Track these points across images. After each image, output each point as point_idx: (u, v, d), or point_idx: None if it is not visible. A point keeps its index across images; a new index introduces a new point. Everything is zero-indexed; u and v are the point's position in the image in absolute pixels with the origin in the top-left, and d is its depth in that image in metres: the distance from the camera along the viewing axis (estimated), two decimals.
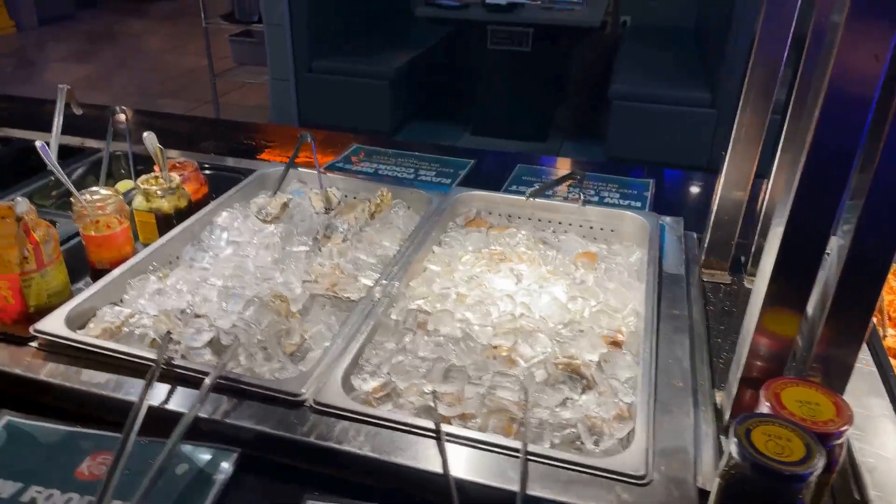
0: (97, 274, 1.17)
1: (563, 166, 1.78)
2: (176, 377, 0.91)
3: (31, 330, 0.97)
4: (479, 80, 5.02)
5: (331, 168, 1.67)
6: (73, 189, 1.19)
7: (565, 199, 1.43)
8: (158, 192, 1.29)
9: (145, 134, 1.32)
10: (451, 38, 5.94)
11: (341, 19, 5.28)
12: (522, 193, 1.54)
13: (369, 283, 1.14)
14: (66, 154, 1.68)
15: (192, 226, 1.27)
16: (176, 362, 0.92)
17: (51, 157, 1.20)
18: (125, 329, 1.02)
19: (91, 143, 1.76)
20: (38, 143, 1.18)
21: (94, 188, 1.20)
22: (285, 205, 1.33)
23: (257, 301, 1.04)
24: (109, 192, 1.18)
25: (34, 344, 0.98)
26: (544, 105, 5.00)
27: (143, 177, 1.32)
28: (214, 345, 1.00)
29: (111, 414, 0.91)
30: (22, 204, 1.01)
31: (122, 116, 1.64)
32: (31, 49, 7.55)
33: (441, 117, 5.52)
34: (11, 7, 8.12)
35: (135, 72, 6.72)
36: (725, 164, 1.18)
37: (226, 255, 1.22)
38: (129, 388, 0.91)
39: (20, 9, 8.17)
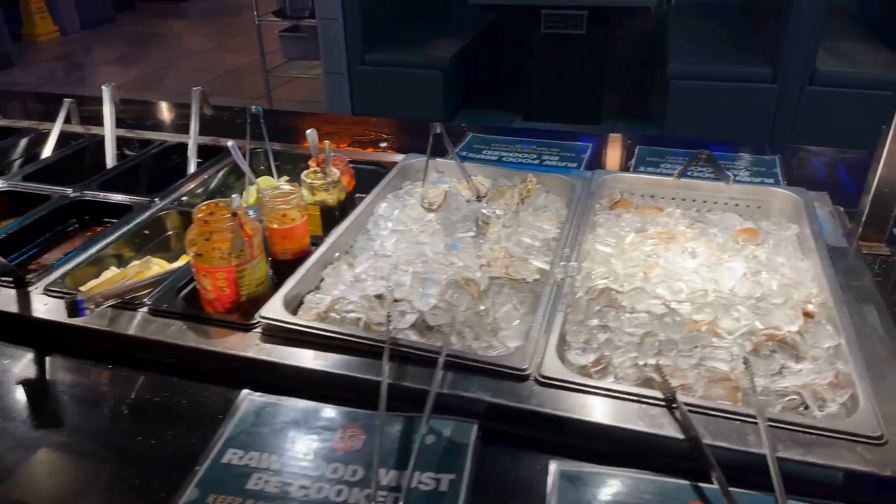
0: (278, 264, 1.24)
1: (681, 146, 1.81)
2: (400, 356, 0.97)
3: (257, 316, 1.04)
4: (531, 65, 5.02)
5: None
6: (257, 183, 1.25)
7: (699, 177, 1.46)
8: (322, 186, 1.35)
9: (308, 131, 1.38)
10: (499, 24, 5.95)
11: (389, 11, 5.32)
12: (651, 173, 1.59)
13: (540, 264, 1.20)
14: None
15: (359, 217, 1.33)
16: (401, 341, 0.98)
17: (239, 155, 1.26)
18: (331, 314, 1.09)
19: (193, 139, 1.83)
20: (229, 143, 1.24)
21: (277, 184, 1.26)
22: (446, 193, 1.38)
23: (454, 284, 1.09)
24: (292, 188, 1.24)
25: (258, 329, 1.05)
26: (596, 87, 4.99)
27: (306, 171, 1.38)
28: (418, 326, 1.06)
29: (339, 390, 0.97)
30: (236, 200, 1.08)
31: (258, 115, 1.70)
32: (78, 53, 7.71)
33: (491, 103, 5.54)
34: (54, 12, 8.28)
35: (182, 71, 6.84)
36: (889, 138, 1.20)
37: (397, 242, 1.28)
38: (357, 367, 0.98)
39: (63, 14, 8.33)
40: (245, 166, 1.30)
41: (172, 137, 1.82)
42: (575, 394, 0.91)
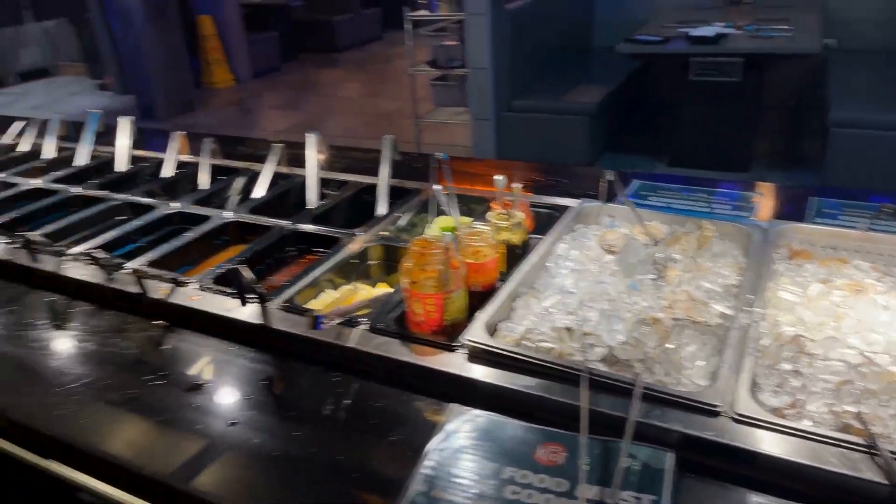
0: (470, 294, 1.37)
1: (858, 198, 1.77)
2: (595, 384, 1.06)
3: (462, 339, 1.17)
4: (677, 111, 5.00)
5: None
6: (457, 221, 1.41)
7: (885, 230, 1.44)
8: (508, 227, 1.49)
9: (498, 177, 1.53)
10: (644, 70, 5.99)
11: (535, 61, 5.53)
12: (830, 225, 1.58)
13: (723, 309, 1.24)
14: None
15: (542, 256, 1.45)
16: (597, 371, 1.07)
17: (443, 199, 1.43)
18: (524, 342, 1.20)
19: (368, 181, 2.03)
20: (435, 188, 1.41)
21: (475, 224, 1.41)
22: (625, 237, 1.47)
23: (642, 322, 1.17)
24: (487, 227, 1.38)
25: (462, 350, 1.18)
26: (747, 134, 4.87)
27: (491, 213, 1.52)
28: (607, 359, 1.15)
29: (537, 410, 1.08)
30: (447, 237, 1.23)
31: (442, 161, 1.88)
32: (249, 99, 8.59)
33: (635, 148, 5.56)
34: (231, 63, 9.30)
35: (339, 116, 7.44)
36: None
37: (577, 281, 1.37)
38: (554, 391, 1.08)
39: (238, 64, 9.33)
40: (450, 209, 1.47)
41: (364, 179, 2.04)
42: (771, 433, 0.95)
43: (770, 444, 0.94)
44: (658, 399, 1.02)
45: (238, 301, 1.35)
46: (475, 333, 1.17)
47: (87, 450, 1.11)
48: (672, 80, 5.01)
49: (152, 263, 1.58)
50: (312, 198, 1.99)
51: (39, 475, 1.22)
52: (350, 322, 1.28)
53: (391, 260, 1.64)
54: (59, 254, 1.60)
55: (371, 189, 1.97)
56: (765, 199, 1.77)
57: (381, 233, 1.67)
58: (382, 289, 1.52)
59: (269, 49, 9.80)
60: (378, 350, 1.21)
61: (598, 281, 1.35)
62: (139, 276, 1.42)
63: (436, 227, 1.77)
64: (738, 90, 4.59)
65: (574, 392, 1.06)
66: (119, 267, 1.51)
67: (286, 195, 2.02)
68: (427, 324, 1.25)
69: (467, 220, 1.82)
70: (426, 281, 1.21)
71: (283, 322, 1.31)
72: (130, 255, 1.66)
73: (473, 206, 1.86)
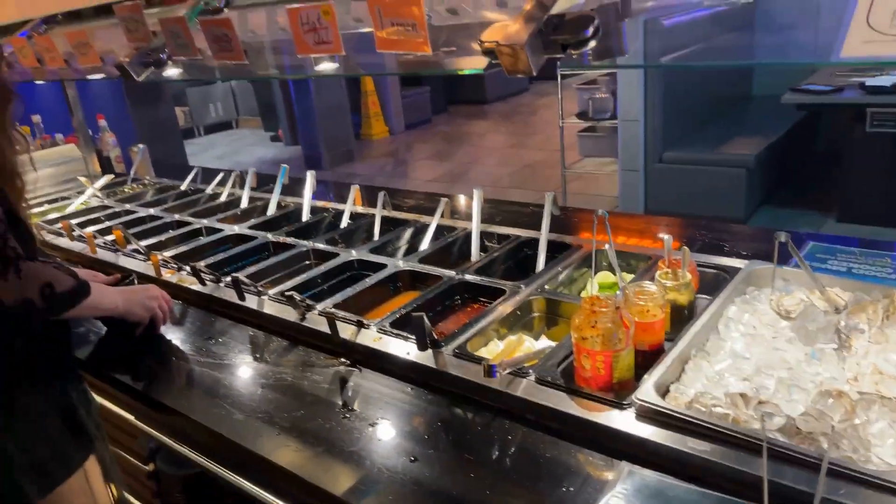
0: (636, 353, 1.39)
1: None
2: (774, 454, 1.05)
3: (633, 397, 1.20)
4: (848, 164, 4.67)
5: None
6: (622, 282, 1.45)
7: None
8: (675, 287, 1.50)
9: (665, 236, 1.56)
10: (808, 122, 5.67)
11: (690, 112, 5.42)
12: None
13: None
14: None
15: (711, 317, 1.44)
16: (777, 441, 1.05)
17: (614, 255, 1.48)
18: (696, 405, 1.20)
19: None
20: (606, 246, 1.47)
21: (642, 282, 1.44)
22: (802, 302, 1.43)
23: (826, 394, 1.14)
24: (655, 288, 1.41)
25: (631, 409, 1.21)
26: None
27: (660, 272, 1.54)
28: (786, 430, 1.12)
29: (709, 475, 1.07)
30: (619, 296, 1.28)
31: (604, 217, 1.92)
32: (402, 150, 9.12)
33: (796, 202, 5.24)
34: (386, 116, 9.94)
35: (485, 166, 7.69)
36: None
37: (748, 346, 1.35)
38: (729, 458, 1.07)
39: (392, 117, 9.95)
40: (613, 265, 1.51)
41: (523, 232, 2.13)
42: None
43: None
44: (846, 476, 0.99)
45: (414, 344, 1.47)
46: (646, 393, 1.20)
47: (278, 470, 1.25)
48: (842, 132, 4.70)
49: (336, 305, 1.75)
50: (476, 250, 2.10)
51: (234, 492, 1.39)
52: (519, 372, 1.34)
53: (553, 313, 1.70)
54: (261, 294, 1.82)
55: (530, 242, 2.06)
56: None
57: (543, 286, 1.74)
58: (547, 341, 1.58)
59: (421, 102, 10.39)
60: (548, 402, 1.26)
61: (773, 347, 1.33)
62: (329, 316, 1.58)
63: (597, 283, 1.81)
64: None
65: (750, 461, 1.05)
66: (311, 308, 1.69)
67: (450, 246, 2.15)
68: (595, 380, 1.29)
69: (628, 276, 1.85)
70: (597, 337, 1.26)
71: (457, 368, 1.40)
72: (317, 297, 1.86)
73: (634, 263, 1.88)
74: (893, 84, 4.21)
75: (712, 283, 1.67)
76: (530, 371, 1.35)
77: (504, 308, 1.64)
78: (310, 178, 2.63)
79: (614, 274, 1.89)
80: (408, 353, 1.48)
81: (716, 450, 1.09)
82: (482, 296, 1.81)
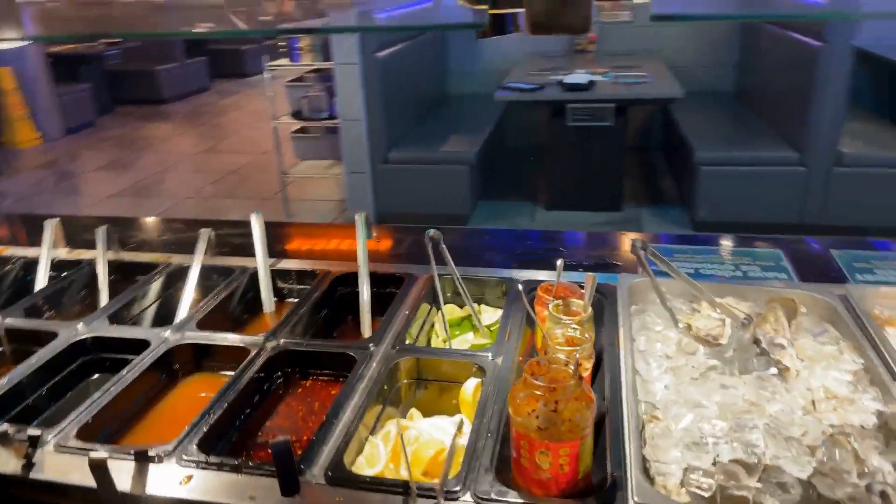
0: None
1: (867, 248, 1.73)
2: None
3: (632, 499, 0.86)
4: (552, 156, 5.06)
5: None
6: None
7: None
8: (581, 321, 1.20)
9: (559, 261, 1.24)
10: (507, 118, 6.04)
11: (406, 110, 5.34)
12: (878, 284, 1.49)
13: (876, 405, 1.06)
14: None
15: (626, 356, 1.18)
16: None
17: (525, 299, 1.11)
18: (695, 490, 0.91)
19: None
20: (520, 287, 1.09)
21: (560, 322, 1.10)
22: (714, 321, 1.25)
23: (830, 440, 0.94)
24: (579, 329, 1.09)
25: None
26: (618, 175, 5.04)
27: (554, 304, 1.23)
28: (809, 500, 0.90)
29: None
30: (578, 353, 0.92)
31: (437, 237, 1.55)
32: (64, 160, 7.47)
33: (508, 195, 5.53)
34: (36, 119, 8.09)
35: (180, 174, 6.67)
36: None
37: (685, 386, 1.12)
38: None
39: (45, 121, 8.14)
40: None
41: (327, 265, 1.64)
42: None
43: None
44: None
45: (268, 480, 0.92)
46: (645, 493, 0.87)
47: None
48: (545, 126, 5.07)
49: (84, 428, 1.07)
50: (268, 297, 1.56)
51: None
52: (445, 494, 0.90)
53: (420, 377, 1.28)
54: None
55: (345, 278, 1.59)
56: (791, 255, 1.66)
57: (400, 339, 1.30)
58: (436, 420, 1.15)
59: (81, 102, 8.67)
60: None
61: (721, 385, 1.11)
62: (95, 462, 0.92)
63: (442, 323, 1.43)
64: (608, 134, 4.74)
65: None
66: (36, 443, 0.99)
67: (240, 296, 1.55)
68: (557, 480, 0.92)
69: (488, 309, 1.51)
70: (562, 425, 0.89)
71: None
72: (40, 418, 1.14)
73: (481, 292, 1.55)
74: (588, 81, 4.63)
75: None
76: (456, 489, 0.92)
77: (360, 384, 1.16)
78: None
79: (462, 307, 1.55)
80: (251, 500, 0.92)
81: None
82: (311, 367, 1.29)
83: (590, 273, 1.20)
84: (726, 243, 1.74)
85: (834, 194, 4.36)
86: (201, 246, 1.64)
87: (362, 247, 1.57)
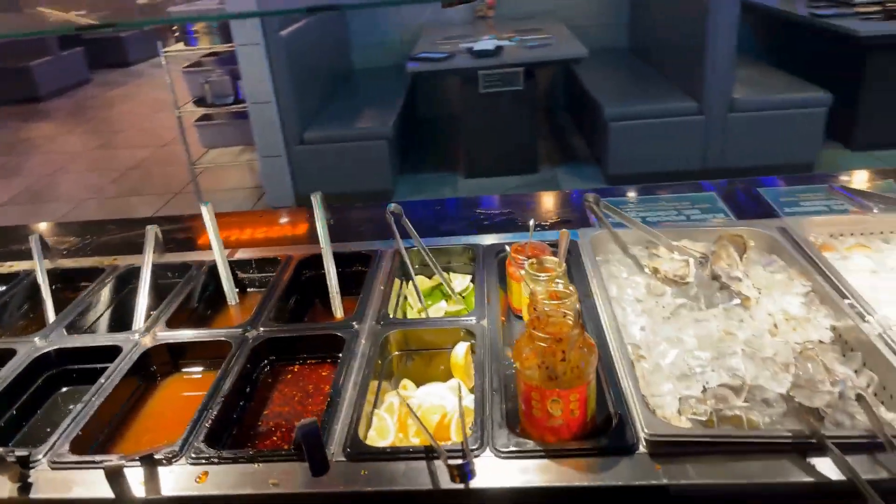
0: None
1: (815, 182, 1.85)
2: (814, 448, 0.90)
3: (643, 434, 0.92)
4: (466, 124, 5.10)
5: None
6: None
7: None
8: (556, 277, 1.26)
9: (531, 221, 1.28)
10: (415, 89, 6.03)
11: (315, 89, 5.22)
12: (805, 214, 1.64)
13: (832, 321, 1.17)
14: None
15: (603, 303, 1.24)
16: (833, 434, 0.91)
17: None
18: (692, 417, 0.99)
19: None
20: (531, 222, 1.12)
21: (538, 278, 1.15)
22: (675, 262, 1.33)
23: (802, 356, 1.04)
24: (562, 284, 1.14)
25: (642, 450, 0.93)
26: (531, 138, 5.17)
27: (530, 263, 1.27)
28: (794, 413, 1.00)
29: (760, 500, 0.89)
30: (573, 295, 0.97)
31: (398, 211, 1.55)
32: None
33: (428, 166, 5.55)
34: None
35: (75, 175, 6.25)
36: None
37: (659, 325, 1.21)
38: (792, 471, 0.89)
39: None
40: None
41: (288, 251, 1.62)
42: None
43: None
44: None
45: (299, 465, 0.92)
46: (648, 421, 0.93)
47: None
48: (457, 95, 5.10)
49: (75, 441, 1.02)
50: (230, 288, 1.52)
51: None
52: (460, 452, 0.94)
53: (409, 347, 1.29)
54: None
55: (308, 261, 1.57)
56: (727, 196, 1.78)
57: (384, 314, 1.31)
58: (434, 387, 1.18)
59: None
60: (543, 480, 0.90)
61: (695, 319, 1.20)
62: (113, 469, 0.89)
63: (415, 295, 1.46)
64: (519, 97, 4.83)
65: (802, 466, 0.89)
66: (27, 463, 0.95)
67: (201, 291, 1.51)
68: (568, 427, 0.97)
69: (457, 277, 1.54)
70: (571, 372, 0.94)
71: (387, 480, 0.91)
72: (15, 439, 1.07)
73: (446, 260, 1.58)
74: (496, 47, 4.68)
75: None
76: (475, 447, 0.95)
77: (355, 362, 1.17)
78: None
79: (431, 277, 1.57)
80: (275, 486, 0.92)
81: (760, 467, 0.89)
82: (296, 352, 1.28)
83: (564, 230, 1.24)
84: (663, 193, 1.84)
85: (730, 139, 4.66)
86: (149, 245, 1.57)
87: (323, 228, 1.55)
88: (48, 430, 1.19)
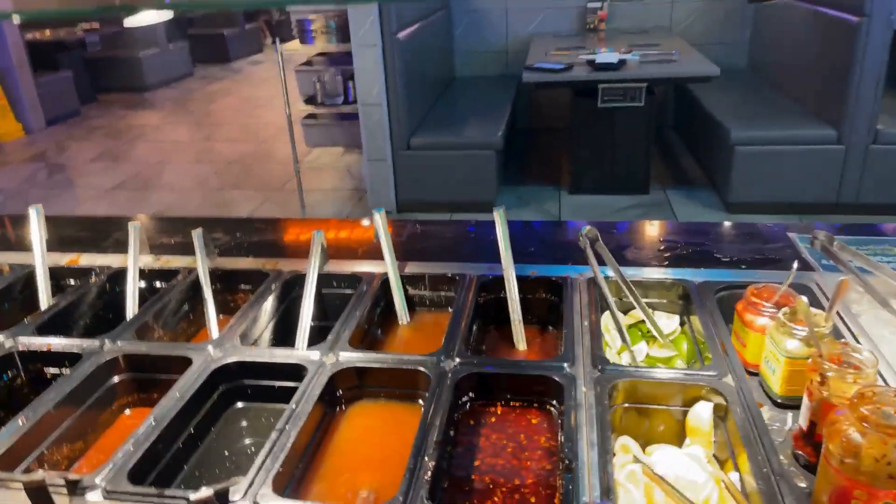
0: None
1: None
2: None
3: None
4: (580, 138, 4.89)
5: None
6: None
7: None
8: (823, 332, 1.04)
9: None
10: (522, 99, 5.87)
11: (424, 95, 5.13)
12: None
13: None
14: None
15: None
16: None
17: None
18: None
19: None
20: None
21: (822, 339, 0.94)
22: None
23: None
24: (866, 354, 0.93)
25: None
26: (646, 157, 4.90)
27: (785, 311, 1.07)
28: None
29: None
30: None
31: (592, 235, 1.37)
32: (53, 152, 7.10)
33: (530, 179, 5.37)
34: (17, 110, 7.69)
35: (181, 165, 6.37)
36: None
37: None
38: None
39: (27, 111, 7.74)
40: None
41: (477, 271, 1.46)
42: None
43: None
44: None
45: None
46: None
47: None
48: (569, 107, 4.90)
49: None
50: (402, 308, 1.37)
51: None
52: None
53: (633, 400, 1.11)
54: None
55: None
56: None
57: (604, 359, 1.13)
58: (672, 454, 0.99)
59: (63, 91, 8.26)
60: None
61: None
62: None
63: (619, 333, 1.27)
64: (638, 114, 4.59)
65: None
66: None
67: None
68: None
69: (663, 316, 1.35)
70: (886, 468, 0.73)
71: None
72: None
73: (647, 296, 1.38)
74: (619, 60, 4.46)
75: None
76: None
77: (580, 413, 0.99)
78: None
79: (627, 313, 1.38)
80: None
81: None
82: (493, 391, 1.12)
83: (844, 278, 1.03)
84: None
85: (871, 173, 4.28)
86: (315, 251, 1.44)
87: (506, 247, 1.39)
88: (225, 452, 1.07)
